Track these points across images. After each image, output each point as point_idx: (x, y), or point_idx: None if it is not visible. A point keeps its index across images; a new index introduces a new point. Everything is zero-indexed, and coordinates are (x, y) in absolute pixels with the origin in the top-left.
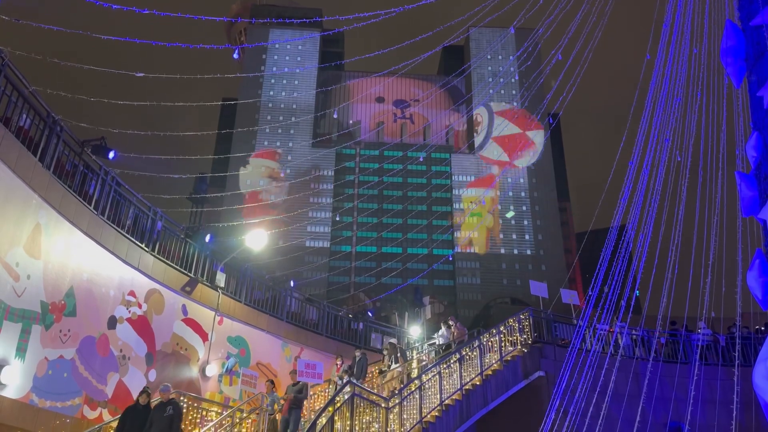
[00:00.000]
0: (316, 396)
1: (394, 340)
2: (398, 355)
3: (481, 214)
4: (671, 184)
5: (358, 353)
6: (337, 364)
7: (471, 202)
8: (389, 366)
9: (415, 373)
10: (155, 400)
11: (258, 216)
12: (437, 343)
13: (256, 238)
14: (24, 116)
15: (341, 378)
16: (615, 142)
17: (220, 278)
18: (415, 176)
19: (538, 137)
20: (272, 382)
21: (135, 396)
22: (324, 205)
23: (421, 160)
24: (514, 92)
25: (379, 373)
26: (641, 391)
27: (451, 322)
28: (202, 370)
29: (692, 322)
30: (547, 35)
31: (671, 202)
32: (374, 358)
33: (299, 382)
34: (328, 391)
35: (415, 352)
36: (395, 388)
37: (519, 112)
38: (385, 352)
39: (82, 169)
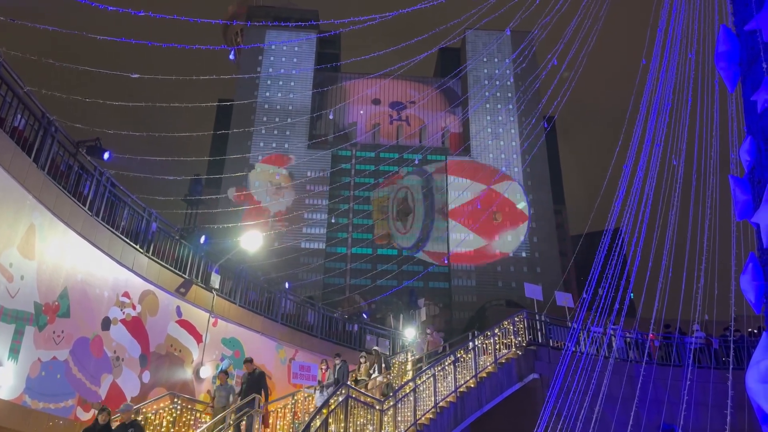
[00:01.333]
0: (310, 398)
1: (377, 348)
2: (382, 365)
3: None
4: (665, 188)
5: (338, 360)
6: (321, 369)
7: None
8: (369, 375)
9: (408, 377)
10: (115, 417)
11: (254, 218)
12: (415, 355)
13: (251, 240)
14: (19, 116)
15: (316, 390)
16: (611, 146)
17: (215, 280)
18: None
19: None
20: (226, 372)
21: (128, 398)
22: (320, 207)
23: (416, 162)
24: (509, 95)
25: (354, 382)
26: (635, 393)
27: (428, 331)
28: (197, 372)
29: (686, 325)
30: (542, 37)
31: (665, 206)
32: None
33: (255, 370)
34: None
35: (410, 354)
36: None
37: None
38: (361, 360)
39: (76, 170)
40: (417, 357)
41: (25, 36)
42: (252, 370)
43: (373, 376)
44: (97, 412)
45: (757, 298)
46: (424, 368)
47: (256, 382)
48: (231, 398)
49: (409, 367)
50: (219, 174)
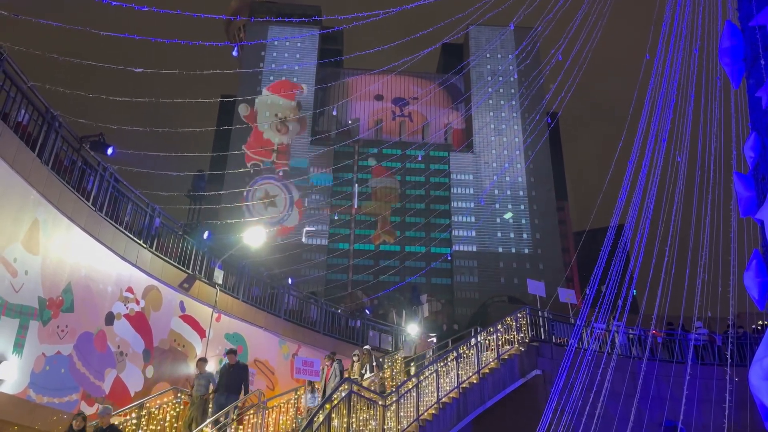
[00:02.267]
0: None
1: (368, 347)
2: (374, 363)
3: None
4: (669, 184)
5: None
6: (326, 365)
7: None
8: (362, 375)
9: (404, 377)
10: (92, 423)
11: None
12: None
13: (254, 235)
14: (22, 112)
15: (306, 391)
16: (614, 142)
17: (218, 275)
18: (414, 174)
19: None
20: (204, 360)
21: (132, 393)
22: (322, 203)
23: (419, 158)
24: (513, 91)
25: None
26: (637, 390)
27: (420, 332)
28: None
29: (689, 322)
30: (546, 33)
31: (669, 202)
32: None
33: (238, 362)
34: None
35: (402, 352)
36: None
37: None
38: (354, 359)
39: (80, 165)
40: (407, 357)
41: (28, 31)
42: (235, 362)
43: (366, 376)
44: (72, 417)
45: (760, 295)
46: (426, 364)
47: (238, 376)
48: (210, 387)
49: (402, 366)
50: (222, 170)
